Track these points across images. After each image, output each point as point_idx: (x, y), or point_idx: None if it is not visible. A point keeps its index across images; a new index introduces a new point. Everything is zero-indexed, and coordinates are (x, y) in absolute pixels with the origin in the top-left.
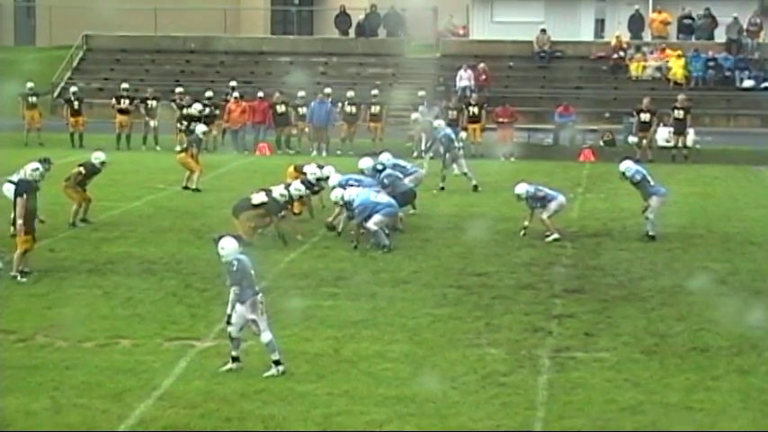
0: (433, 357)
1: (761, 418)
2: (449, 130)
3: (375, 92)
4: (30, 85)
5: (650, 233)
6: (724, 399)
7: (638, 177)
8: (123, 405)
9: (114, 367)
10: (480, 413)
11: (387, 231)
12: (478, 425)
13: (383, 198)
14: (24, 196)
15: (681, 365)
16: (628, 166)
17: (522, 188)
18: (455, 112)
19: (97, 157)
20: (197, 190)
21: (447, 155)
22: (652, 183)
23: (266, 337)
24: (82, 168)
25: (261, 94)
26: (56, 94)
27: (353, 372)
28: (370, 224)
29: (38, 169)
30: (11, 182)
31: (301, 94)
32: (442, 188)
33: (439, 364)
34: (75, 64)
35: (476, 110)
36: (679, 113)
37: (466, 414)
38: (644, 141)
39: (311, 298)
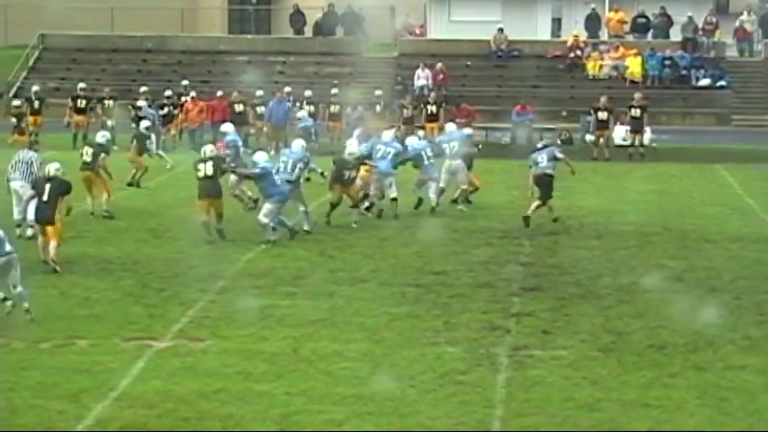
0: (392, 356)
1: (717, 414)
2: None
3: (335, 91)
4: None
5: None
6: (681, 395)
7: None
8: (80, 406)
9: (71, 368)
10: (438, 411)
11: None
12: (437, 423)
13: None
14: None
15: (638, 363)
16: (410, 141)
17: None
18: (409, 111)
19: (104, 135)
20: (138, 186)
21: None
22: (427, 162)
23: None
24: (104, 153)
25: (220, 93)
26: (11, 94)
27: (311, 371)
28: (261, 216)
29: (60, 168)
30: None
31: (259, 93)
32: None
33: (397, 362)
34: (31, 63)
35: (434, 108)
36: (636, 112)
37: (424, 412)
38: (601, 140)
39: (269, 297)
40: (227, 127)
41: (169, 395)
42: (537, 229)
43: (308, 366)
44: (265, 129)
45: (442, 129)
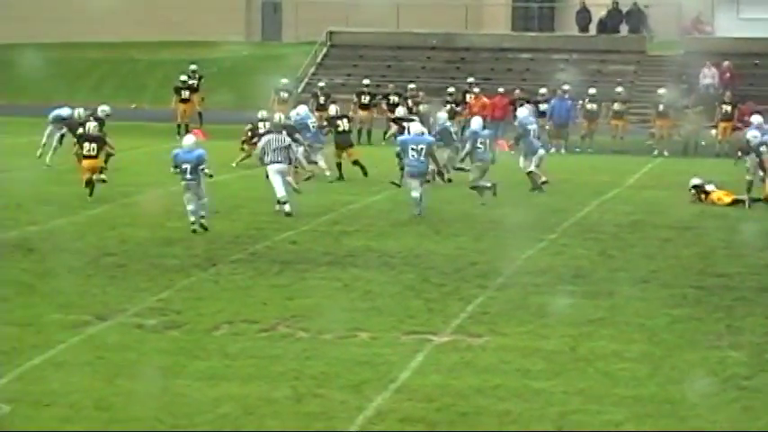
0: (671, 358)
1: None
2: (448, 124)
3: (619, 89)
4: (284, 81)
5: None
6: None
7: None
8: (361, 397)
9: (353, 359)
10: (719, 416)
11: None
12: (717, 428)
13: None
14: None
15: None
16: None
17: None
18: (690, 112)
19: (298, 113)
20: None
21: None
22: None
23: None
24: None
25: (501, 89)
26: (300, 90)
27: (590, 370)
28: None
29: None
30: None
31: (542, 90)
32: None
33: (677, 365)
34: (319, 59)
35: (729, 108)
36: None
37: (704, 417)
38: None
39: (548, 295)
40: (301, 108)
41: (447, 389)
42: None
43: (586, 366)
44: (547, 127)
45: (735, 129)
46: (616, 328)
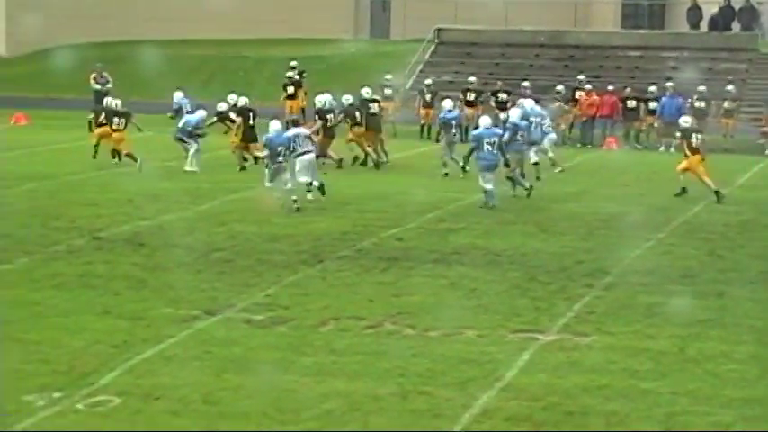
0: None
1: None
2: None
3: (730, 87)
4: (388, 77)
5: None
6: None
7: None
8: (467, 394)
9: (458, 357)
10: None
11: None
12: None
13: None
14: None
15: None
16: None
17: None
18: None
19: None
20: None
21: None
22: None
23: None
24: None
25: (610, 87)
26: (408, 87)
27: (698, 371)
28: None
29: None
30: None
31: (652, 88)
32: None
33: None
34: (427, 57)
35: None
36: None
37: None
38: None
39: (656, 295)
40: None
41: (554, 388)
42: None
43: (694, 366)
44: (656, 125)
45: None
46: (725, 329)
